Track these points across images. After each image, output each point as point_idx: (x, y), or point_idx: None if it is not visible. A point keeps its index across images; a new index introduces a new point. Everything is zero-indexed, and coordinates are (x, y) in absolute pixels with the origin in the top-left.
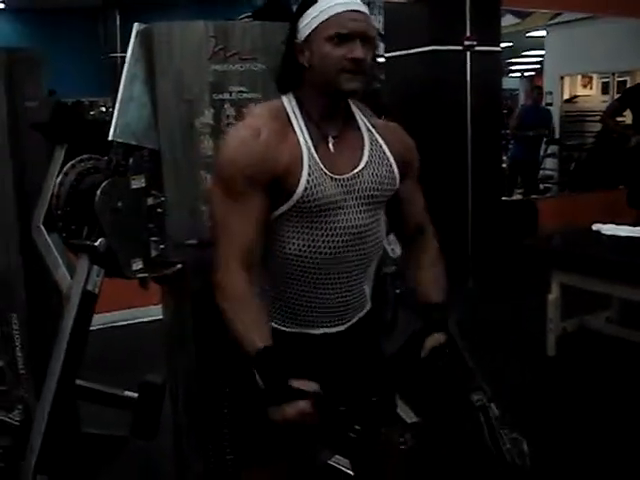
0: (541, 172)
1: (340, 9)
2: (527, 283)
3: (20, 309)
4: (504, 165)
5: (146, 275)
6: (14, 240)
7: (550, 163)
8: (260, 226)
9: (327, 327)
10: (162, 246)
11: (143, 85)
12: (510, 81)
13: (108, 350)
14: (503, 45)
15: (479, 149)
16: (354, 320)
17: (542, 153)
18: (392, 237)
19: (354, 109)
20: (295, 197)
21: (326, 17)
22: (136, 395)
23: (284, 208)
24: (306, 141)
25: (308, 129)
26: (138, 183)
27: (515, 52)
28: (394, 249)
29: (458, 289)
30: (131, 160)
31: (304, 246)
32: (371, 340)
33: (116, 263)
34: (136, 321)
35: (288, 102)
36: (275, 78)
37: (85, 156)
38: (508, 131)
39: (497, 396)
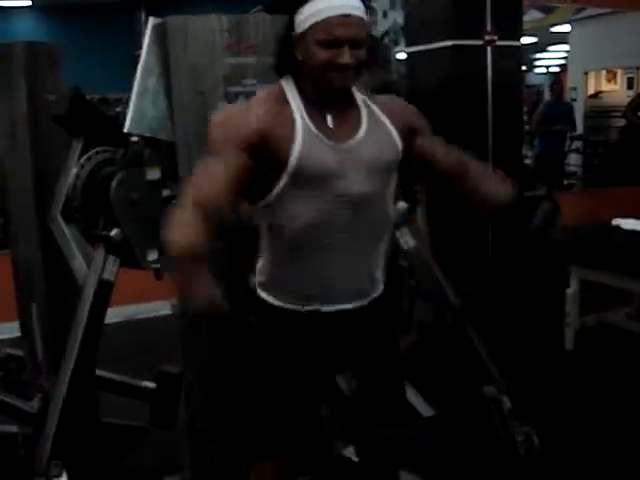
0: (565, 168)
1: (331, 13)
2: (547, 278)
3: (39, 299)
4: (529, 161)
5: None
6: (33, 231)
7: (574, 159)
8: (231, 186)
9: (341, 304)
10: None
11: (158, 78)
12: (537, 77)
13: (126, 342)
14: (528, 40)
15: (500, 145)
16: (364, 302)
17: (566, 148)
18: (404, 229)
19: (353, 89)
20: (290, 166)
21: (317, 20)
22: (154, 385)
23: (283, 181)
24: (302, 115)
25: (306, 108)
26: (153, 174)
27: (540, 47)
28: (407, 241)
29: (478, 284)
30: (146, 152)
31: (309, 218)
32: (381, 327)
33: (132, 253)
34: (154, 315)
35: (286, 84)
36: (273, 64)
37: (101, 148)
38: (529, 127)
39: (513, 389)
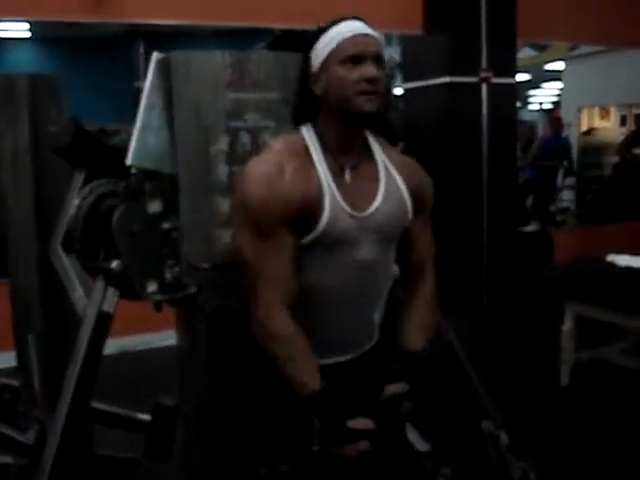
0: (558, 204)
1: (350, 34)
2: (541, 313)
3: (37, 329)
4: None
5: (160, 298)
6: (33, 261)
7: (568, 194)
8: (293, 263)
9: (338, 356)
10: (177, 269)
11: (161, 112)
12: (531, 113)
13: (121, 374)
14: (522, 77)
15: (495, 180)
16: (365, 348)
17: (559, 184)
18: None
19: (371, 141)
20: (317, 231)
21: (337, 42)
22: (149, 417)
23: (304, 241)
24: (326, 175)
25: (326, 161)
26: (154, 207)
27: (534, 84)
28: None
29: (473, 318)
30: (148, 184)
31: (318, 278)
32: (380, 368)
33: (131, 285)
34: (151, 346)
35: (307, 133)
36: (292, 113)
37: (103, 180)
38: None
39: (509, 425)
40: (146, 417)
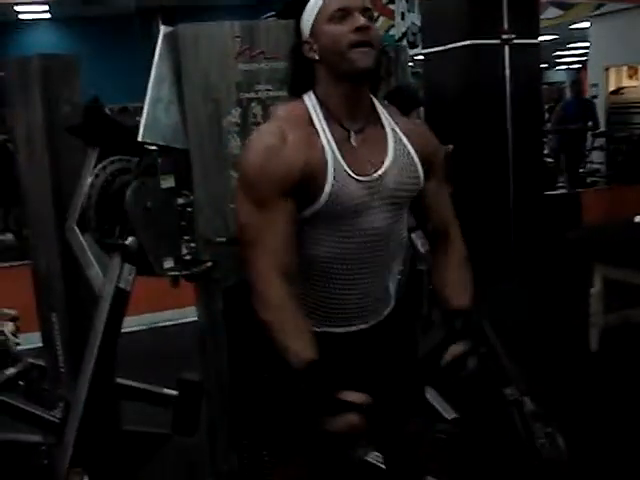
0: (588, 165)
1: None
2: (570, 277)
3: (60, 308)
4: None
5: (177, 273)
6: (53, 241)
7: (597, 156)
8: (293, 233)
9: (353, 325)
10: (192, 244)
11: (170, 86)
12: (558, 74)
13: (147, 350)
14: (548, 38)
15: (520, 144)
16: (380, 318)
17: (589, 146)
18: (419, 232)
19: (377, 106)
20: (321, 201)
21: (323, 0)
22: (175, 392)
23: (309, 212)
24: (330, 143)
25: (330, 128)
26: (168, 183)
27: (560, 44)
28: (422, 244)
29: (500, 284)
30: (160, 160)
31: (329, 247)
32: (399, 335)
33: (147, 261)
34: (174, 322)
35: (309, 101)
36: (288, 86)
37: (115, 158)
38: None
39: (538, 390)
40: (172, 392)
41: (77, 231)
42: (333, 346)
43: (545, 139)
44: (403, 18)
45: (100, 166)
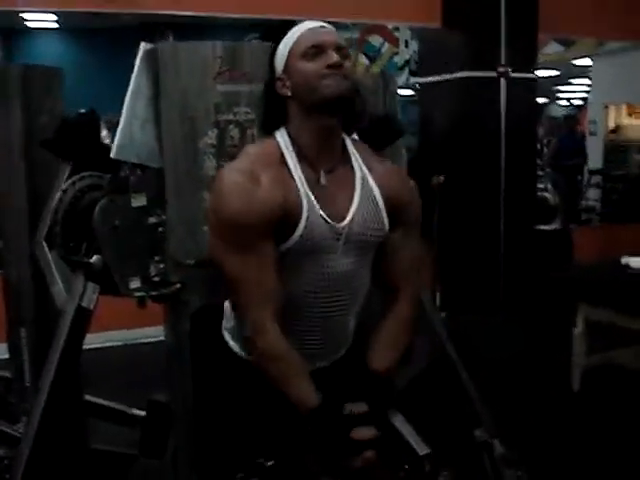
0: (583, 203)
1: (308, 26)
2: (555, 315)
3: (28, 321)
4: (548, 195)
5: (143, 294)
6: (25, 254)
7: (593, 193)
8: (276, 271)
9: (314, 363)
10: (162, 265)
11: (147, 104)
12: (561, 109)
13: (115, 368)
14: (547, 73)
15: (513, 177)
16: (337, 356)
17: (585, 183)
18: None
19: (349, 145)
20: (294, 239)
21: (296, 37)
22: (143, 413)
23: (281, 249)
24: (302, 183)
25: (302, 167)
26: (139, 201)
27: (563, 80)
28: None
29: (486, 316)
30: (133, 178)
31: (293, 286)
32: (355, 373)
33: (113, 280)
34: (144, 341)
35: (281, 138)
36: (260, 123)
37: (87, 173)
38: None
39: (517, 429)
40: (141, 412)
41: (44, 246)
42: None
43: (542, 173)
44: (407, 46)
45: (70, 182)
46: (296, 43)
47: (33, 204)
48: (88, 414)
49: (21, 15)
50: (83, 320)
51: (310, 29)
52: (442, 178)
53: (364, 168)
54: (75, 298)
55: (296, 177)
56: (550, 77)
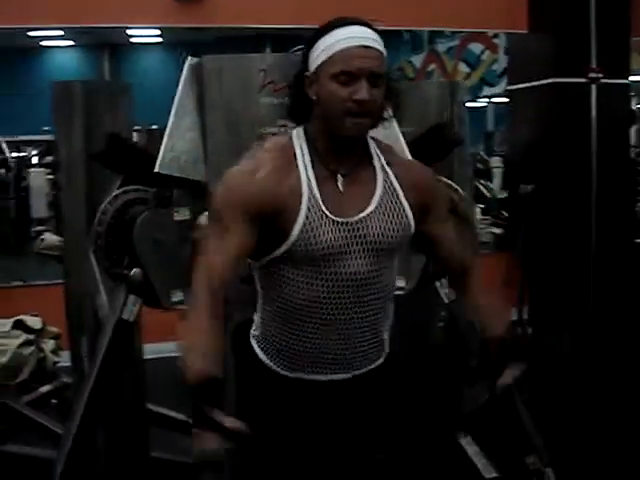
0: None
1: (347, 44)
2: None
3: (89, 331)
4: None
5: (185, 307)
6: (85, 265)
7: None
8: (239, 257)
9: (331, 374)
10: None
11: (192, 118)
12: None
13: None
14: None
15: (606, 188)
16: (363, 370)
17: None
18: (445, 281)
19: (371, 145)
20: (290, 240)
21: (333, 52)
22: None
23: (280, 251)
24: (309, 181)
25: (314, 166)
26: (182, 215)
27: None
28: (447, 294)
29: (574, 334)
30: (176, 192)
31: (302, 292)
32: (386, 391)
33: (155, 293)
34: None
35: (296, 136)
36: (287, 110)
37: (130, 188)
38: None
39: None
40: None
41: (92, 258)
42: (306, 394)
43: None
44: (506, 53)
45: (112, 195)
46: (331, 59)
47: (92, 217)
48: (150, 422)
49: (127, 32)
50: (124, 332)
51: (348, 49)
52: (530, 187)
53: (387, 168)
54: (116, 310)
55: (303, 175)
56: None
